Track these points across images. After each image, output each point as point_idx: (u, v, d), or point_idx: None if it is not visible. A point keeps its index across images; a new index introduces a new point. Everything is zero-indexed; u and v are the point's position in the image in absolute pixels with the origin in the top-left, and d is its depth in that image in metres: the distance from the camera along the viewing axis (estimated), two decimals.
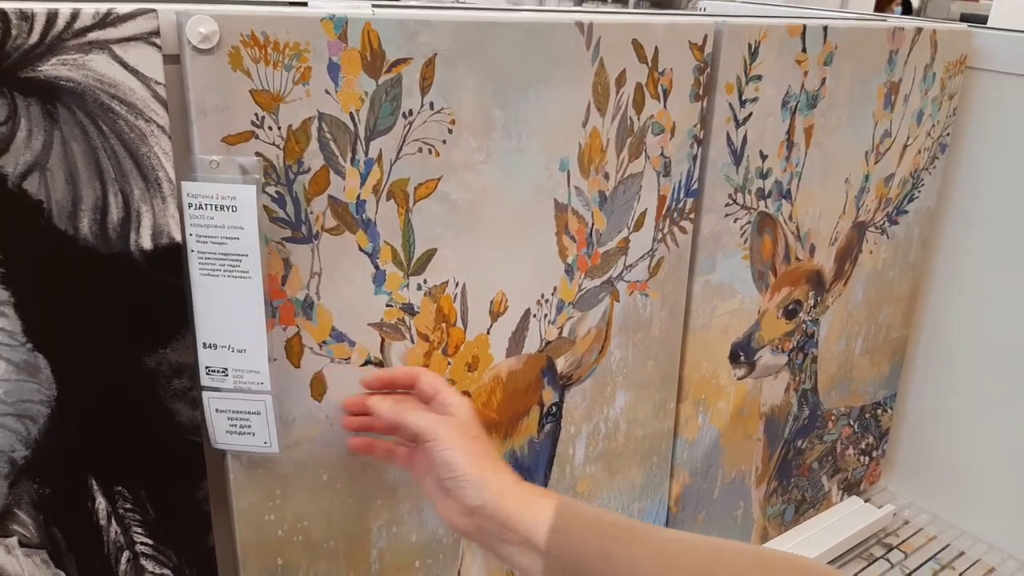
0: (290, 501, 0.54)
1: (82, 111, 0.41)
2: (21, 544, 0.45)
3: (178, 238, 0.45)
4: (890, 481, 1.09)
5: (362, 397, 0.53)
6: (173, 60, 0.44)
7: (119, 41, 0.41)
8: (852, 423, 0.97)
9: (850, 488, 1.02)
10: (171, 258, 0.45)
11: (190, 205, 0.45)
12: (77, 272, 0.43)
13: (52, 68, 0.40)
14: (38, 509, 0.45)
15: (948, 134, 0.91)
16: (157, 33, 0.42)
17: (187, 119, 0.44)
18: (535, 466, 0.67)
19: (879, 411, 1.00)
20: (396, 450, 0.54)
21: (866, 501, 1.02)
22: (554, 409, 0.67)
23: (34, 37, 0.39)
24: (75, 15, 0.40)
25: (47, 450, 0.44)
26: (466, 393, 0.60)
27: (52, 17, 0.39)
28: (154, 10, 0.42)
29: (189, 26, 0.42)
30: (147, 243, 0.44)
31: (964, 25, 0.89)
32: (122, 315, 0.45)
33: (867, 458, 1.02)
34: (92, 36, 0.41)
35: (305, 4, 0.50)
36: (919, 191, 0.91)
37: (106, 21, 0.41)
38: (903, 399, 1.05)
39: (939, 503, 1.05)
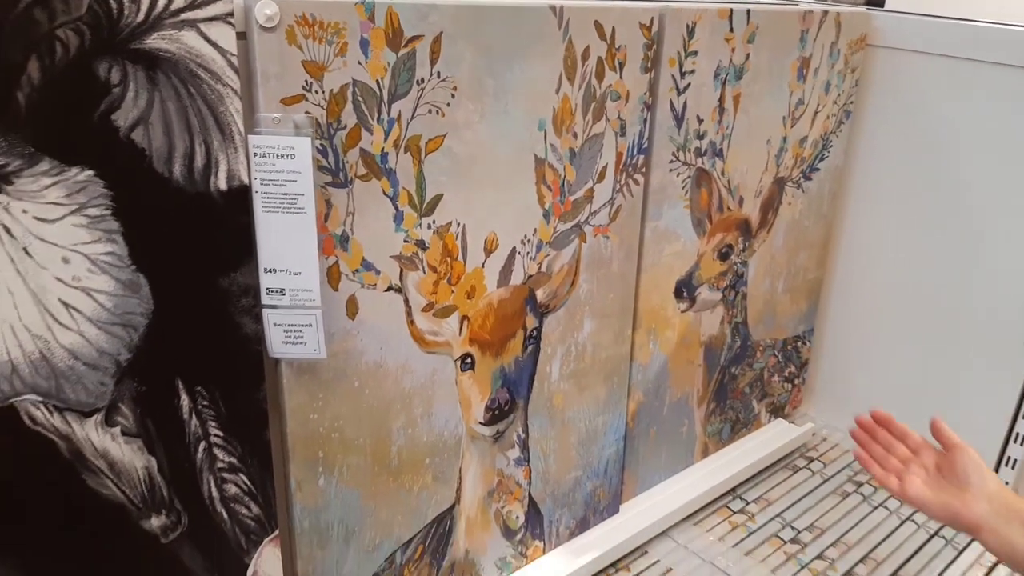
0: (329, 403, 0.64)
1: (176, 76, 0.51)
2: (123, 433, 0.55)
3: (247, 181, 0.55)
4: (811, 406, 1.25)
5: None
6: (242, 36, 0.53)
7: (204, 20, 0.51)
8: (776, 353, 1.11)
9: (776, 411, 1.16)
10: (241, 198, 0.55)
11: (255, 154, 0.54)
12: (170, 208, 0.53)
13: (153, 41, 0.49)
14: (136, 404, 0.55)
15: (852, 102, 1.05)
16: (232, 14, 0.52)
17: (253, 84, 0.54)
18: (520, 381, 0.78)
19: (799, 343, 1.14)
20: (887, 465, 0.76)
21: (791, 423, 1.17)
22: (535, 333, 0.78)
23: (140, 16, 0.49)
24: None
25: (145, 355, 0.54)
26: (465, 317, 0.71)
27: (154, 1, 0.49)
28: None
29: (257, 8, 0.52)
30: (223, 185, 0.54)
31: (864, 8, 1.04)
32: (203, 244, 0.55)
33: (790, 384, 1.16)
34: (184, 16, 0.50)
35: None
36: (828, 151, 1.05)
37: (194, 4, 0.50)
38: (820, 333, 1.19)
39: (853, 422, 1.20)
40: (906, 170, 1.06)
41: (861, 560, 0.95)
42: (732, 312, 1.00)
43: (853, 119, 1.07)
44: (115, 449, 0.55)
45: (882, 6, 1.11)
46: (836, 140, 1.05)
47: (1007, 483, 1.06)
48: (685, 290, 0.93)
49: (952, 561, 0.96)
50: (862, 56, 1.04)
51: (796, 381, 1.18)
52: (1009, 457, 1.05)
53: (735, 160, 0.92)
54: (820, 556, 0.95)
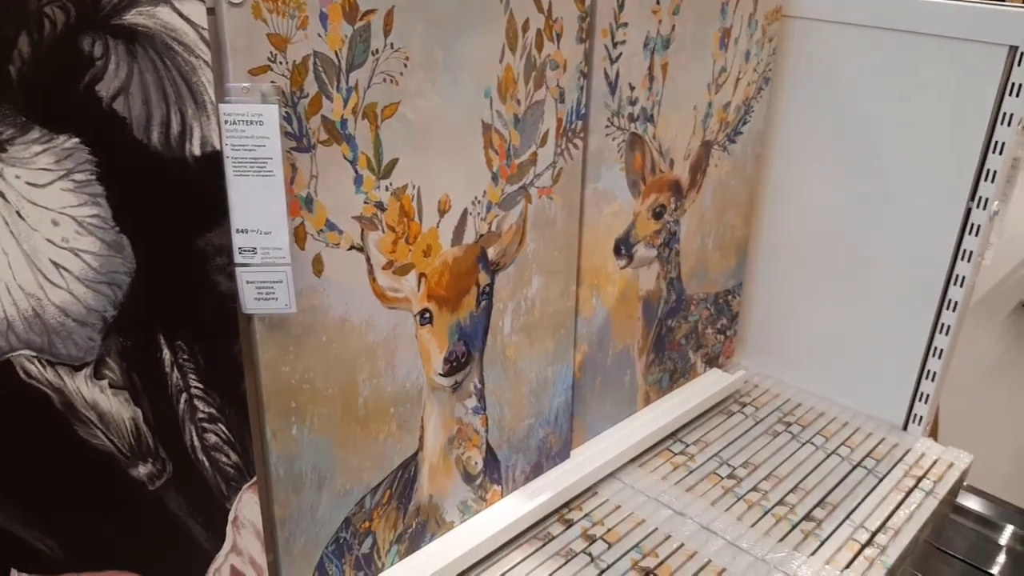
0: (300, 356, 0.69)
1: (152, 49, 0.54)
2: (110, 385, 0.58)
3: (218, 147, 0.59)
4: (743, 356, 1.33)
5: None
6: (211, 12, 0.57)
7: None
8: (709, 307, 1.19)
9: (711, 361, 1.24)
10: (214, 162, 0.59)
11: (226, 121, 0.58)
12: (150, 172, 0.56)
13: (132, 17, 0.53)
14: (122, 358, 0.58)
15: (770, 70, 1.13)
16: None
17: (223, 56, 0.58)
18: (475, 334, 0.84)
19: (730, 297, 1.22)
20: None
21: (725, 372, 1.25)
22: (487, 289, 0.84)
23: None
24: None
25: (129, 311, 0.58)
26: (423, 274, 0.76)
27: None
28: None
29: None
30: (197, 151, 0.58)
31: None
32: (180, 206, 0.58)
33: (723, 336, 1.24)
34: None
35: None
36: (750, 116, 1.12)
37: None
38: (749, 287, 1.28)
39: (783, 370, 1.30)
40: (822, 132, 1.15)
41: (791, 490, 1.03)
42: (667, 268, 1.07)
43: (772, 85, 1.15)
44: (104, 401, 0.58)
45: None
46: (757, 105, 1.13)
47: (920, 418, 1.16)
48: (623, 247, 0.99)
49: (873, 488, 1.05)
50: (779, 26, 1.11)
51: (728, 333, 1.26)
52: (922, 393, 1.15)
53: (665, 125, 0.98)
54: (754, 488, 1.03)
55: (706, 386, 1.20)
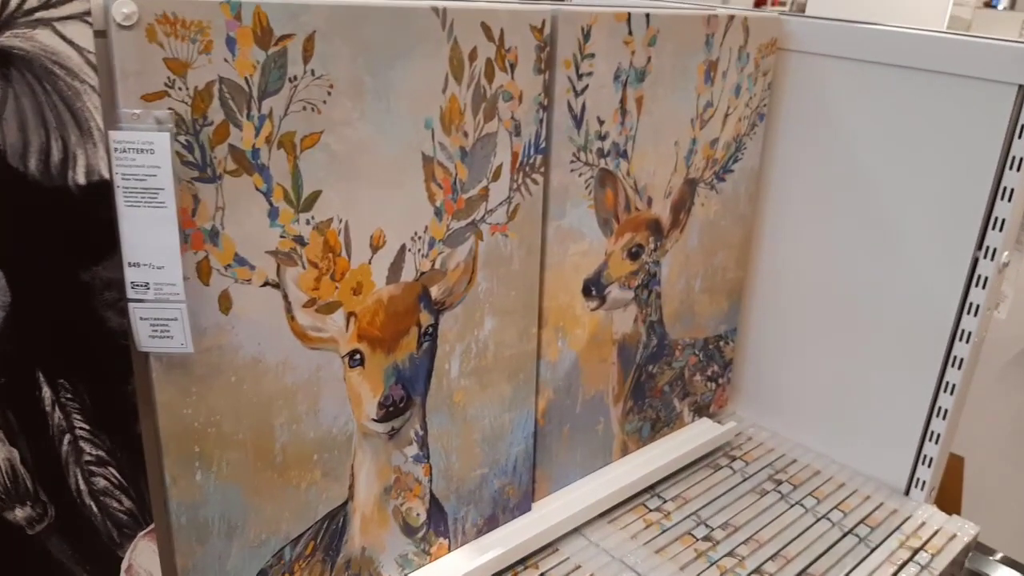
0: (204, 398, 0.65)
1: (30, 73, 0.52)
2: None
3: (107, 176, 0.56)
4: (738, 406, 1.26)
5: None
6: (102, 35, 0.55)
7: (59, 19, 0.52)
8: (697, 352, 1.13)
9: (700, 411, 1.18)
10: (102, 192, 0.56)
11: (116, 149, 0.56)
12: (27, 202, 0.54)
13: (6, 39, 0.51)
14: None
15: (765, 105, 1.07)
16: (89, 13, 0.53)
17: (113, 81, 0.55)
18: (416, 377, 0.79)
19: (721, 343, 1.16)
20: None
21: (717, 422, 1.18)
22: (430, 330, 0.79)
23: None
24: None
25: (3, 346, 0.55)
26: (352, 314, 0.72)
27: (6, 1, 0.50)
28: None
29: (114, 8, 0.54)
30: (82, 179, 0.55)
31: (776, 12, 1.06)
32: (62, 237, 0.55)
33: (714, 384, 1.18)
34: (38, 15, 0.51)
35: None
36: (742, 153, 1.07)
37: (49, 3, 0.52)
38: (745, 333, 1.21)
39: (779, 422, 1.23)
40: (823, 171, 1.09)
41: (771, 557, 0.96)
42: (646, 311, 1.02)
43: (767, 122, 1.09)
44: None
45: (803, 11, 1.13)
46: (750, 142, 1.07)
47: (923, 482, 1.08)
48: (594, 288, 0.94)
49: (863, 559, 0.97)
50: (773, 60, 1.06)
51: (720, 380, 1.19)
52: (925, 455, 1.07)
53: (641, 161, 0.93)
54: (730, 553, 0.96)
55: (692, 437, 1.13)
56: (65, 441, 0.59)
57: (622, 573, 0.92)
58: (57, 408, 0.58)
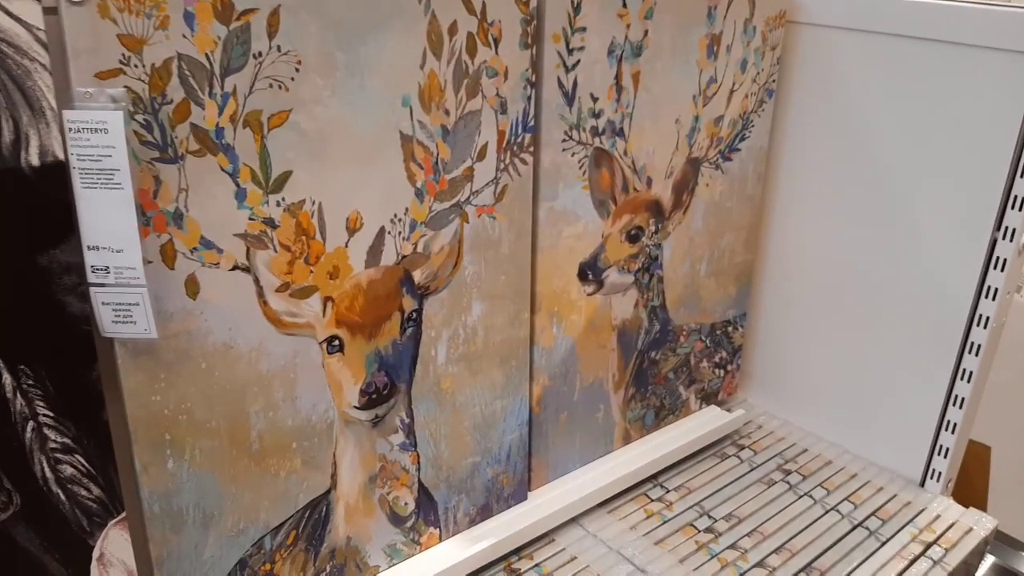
0: (174, 384, 0.64)
1: None
2: None
3: (62, 157, 0.55)
4: (749, 393, 1.23)
5: None
6: (53, 11, 0.53)
7: None
8: (704, 338, 1.10)
9: (708, 398, 1.15)
10: (57, 173, 0.55)
11: (70, 129, 0.54)
12: None
13: None
14: None
15: (774, 81, 1.04)
16: None
17: (65, 59, 0.54)
18: (400, 364, 0.78)
19: (730, 328, 1.13)
20: None
21: (726, 410, 1.15)
22: (414, 315, 0.77)
23: None
24: None
25: None
26: (329, 298, 0.71)
27: None
28: None
29: None
30: (35, 160, 0.54)
31: None
32: (16, 220, 0.54)
33: (722, 371, 1.15)
34: None
35: None
36: (750, 131, 1.03)
37: None
38: (755, 318, 1.18)
39: (791, 410, 1.19)
40: (833, 151, 1.05)
41: (775, 550, 0.93)
42: (647, 295, 0.99)
43: (776, 98, 1.05)
44: None
45: None
46: (758, 120, 1.04)
47: (939, 473, 1.04)
48: (591, 272, 0.92)
49: (872, 552, 0.94)
50: (783, 33, 1.02)
51: (729, 367, 1.16)
52: (941, 446, 1.03)
53: (639, 140, 0.90)
54: (732, 546, 0.94)
55: (698, 425, 1.10)
56: (29, 428, 0.58)
57: (619, 564, 0.90)
58: (19, 395, 0.57)
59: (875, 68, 0.98)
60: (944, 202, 0.96)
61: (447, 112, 0.74)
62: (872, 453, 1.10)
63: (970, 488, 1.38)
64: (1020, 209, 0.91)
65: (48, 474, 0.60)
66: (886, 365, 1.06)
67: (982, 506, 1.20)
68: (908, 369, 1.04)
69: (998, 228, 0.93)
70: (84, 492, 0.62)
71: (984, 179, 0.92)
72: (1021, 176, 0.91)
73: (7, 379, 0.57)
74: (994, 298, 0.96)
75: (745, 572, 0.90)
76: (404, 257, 0.75)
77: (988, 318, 0.96)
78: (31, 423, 0.58)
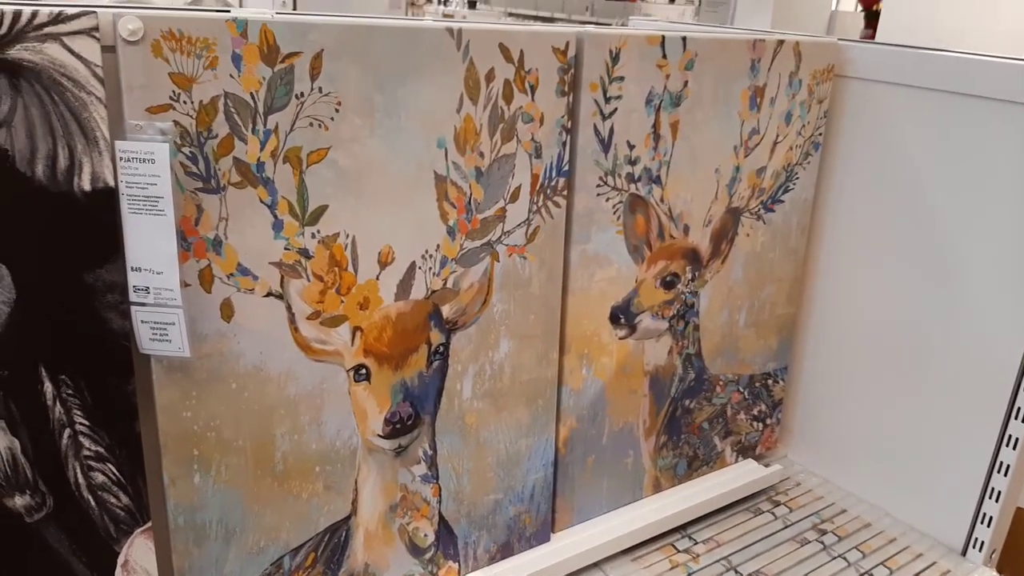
0: (204, 402, 0.68)
1: (39, 84, 0.56)
2: None
3: (112, 183, 0.60)
4: (790, 449, 1.22)
5: None
6: (110, 49, 0.59)
7: (67, 34, 0.57)
8: (742, 390, 1.10)
9: (745, 451, 1.15)
10: (106, 198, 0.60)
11: (121, 158, 0.60)
12: (33, 205, 0.58)
13: (16, 52, 0.55)
14: None
15: (820, 133, 1.05)
16: (96, 28, 0.57)
17: (120, 93, 0.60)
18: (425, 396, 0.81)
19: (769, 381, 1.13)
20: None
21: (766, 466, 1.15)
22: (441, 349, 0.81)
23: (3, 29, 0.55)
24: (35, 14, 0.55)
25: (7, 340, 0.59)
26: (358, 328, 0.75)
27: (17, 15, 0.55)
28: (94, 11, 0.57)
29: (120, 24, 0.58)
30: (87, 186, 0.59)
31: (834, 38, 1.04)
32: (66, 240, 0.60)
33: (761, 424, 1.15)
34: (47, 30, 0.56)
35: (228, 11, 0.65)
36: (794, 183, 1.04)
37: (58, 19, 0.56)
38: (798, 372, 1.18)
39: (831, 469, 1.18)
40: (880, 206, 1.05)
41: None
42: (682, 343, 1.00)
43: (824, 151, 1.07)
44: None
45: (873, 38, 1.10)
46: (803, 172, 1.05)
47: (982, 543, 1.02)
48: (623, 316, 0.94)
49: None
50: (830, 87, 1.03)
51: (768, 421, 1.16)
52: (984, 514, 1.01)
53: (676, 187, 0.93)
54: None
55: (732, 478, 1.10)
56: (65, 435, 0.63)
57: None
58: (58, 403, 0.62)
59: (925, 124, 0.99)
60: (993, 261, 0.96)
61: (481, 155, 0.77)
62: (913, 518, 1.08)
63: (1015, 557, 1.33)
64: None
65: (80, 480, 0.65)
66: (930, 427, 1.05)
67: None
68: (952, 432, 1.02)
69: None
70: (113, 500, 0.66)
71: None
72: None
73: (48, 387, 0.62)
74: None
75: None
76: (434, 292, 0.78)
77: None
78: (68, 430, 0.63)
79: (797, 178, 1.05)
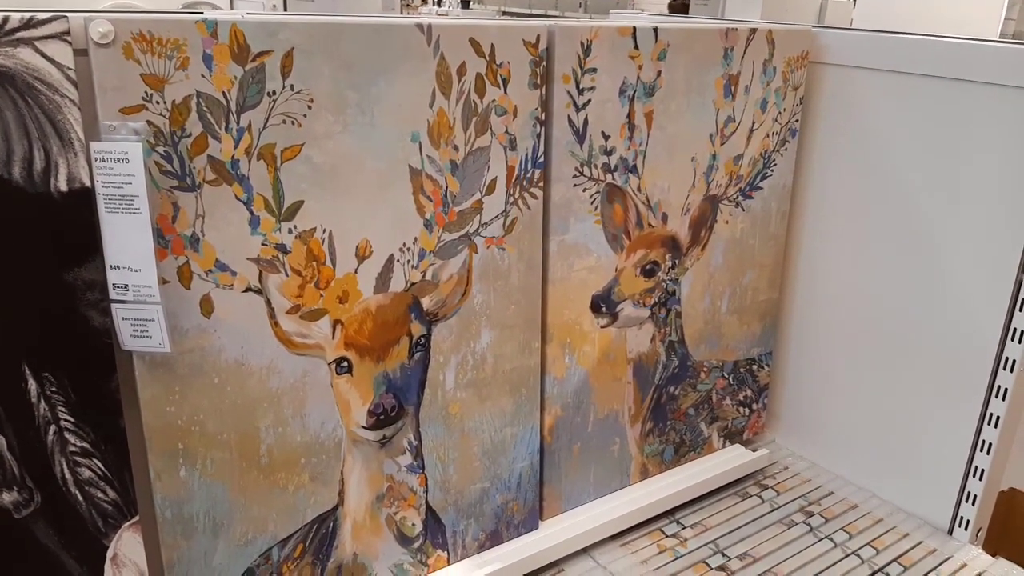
0: (187, 397, 0.69)
1: (13, 88, 0.58)
2: None
3: (88, 183, 0.61)
4: (777, 434, 1.23)
5: None
6: (82, 53, 0.60)
7: (40, 38, 0.58)
8: (726, 376, 1.11)
9: (732, 436, 1.16)
10: (83, 199, 0.61)
11: (96, 159, 0.61)
12: (10, 206, 0.59)
13: None
14: None
15: (797, 120, 1.06)
16: (68, 33, 0.59)
17: (93, 95, 0.61)
18: (407, 387, 0.82)
19: (754, 367, 1.14)
20: None
21: (754, 451, 1.16)
22: (423, 340, 0.82)
23: None
24: (6, 19, 0.57)
25: None
26: (339, 321, 0.76)
27: None
28: (65, 16, 0.58)
29: (91, 27, 0.59)
30: (64, 187, 0.61)
31: (808, 25, 1.05)
32: (45, 240, 0.61)
33: (747, 409, 1.16)
34: (19, 35, 0.57)
35: (200, 12, 0.66)
36: (771, 170, 1.05)
37: (30, 24, 0.57)
38: (783, 357, 1.19)
39: (818, 452, 1.19)
40: (861, 189, 1.06)
41: None
42: (664, 330, 1.02)
43: (800, 137, 1.08)
44: None
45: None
46: (781, 159, 1.06)
47: (967, 521, 1.02)
48: (604, 305, 0.95)
49: None
50: (804, 73, 1.04)
51: (754, 406, 1.17)
52: (969, 492, 1.02)
53: (653, 176, 0.94)
54: None
55: (720, 463, 1.11)
56: (50, 431, 0.64)
57: None
58: (42, 400, 0.64)
59: (900, 107, 1.00)
60: (970, 242, 0.97)
61: (456, 148, 0.78)
62: (899, 499, 1.09)
63: (1010, 539, 1.34)
64: None
65: (67, 476, 0.66)
66: (913, 408, 1.06)
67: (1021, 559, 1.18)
68: (935, 413, 1.03)
69: (1021, 267, 0.93)
70: (100, 494, 0.68)
71: (1010, 220, 0.92)
72: None
73: (32, 385, 0.63)
74: (1021, 341, 0.95)
75: None
76: (413, 284, 0.80)
77: (1015, 361, 0.96)
78: (53, 427, 0.64)
79: (775, 165, 1.06)
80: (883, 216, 1.04)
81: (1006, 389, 0.97)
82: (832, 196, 1.09)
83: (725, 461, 1.12)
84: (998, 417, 0.98)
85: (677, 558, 0.98)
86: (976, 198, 0.95)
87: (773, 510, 1.08)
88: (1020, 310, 0.94)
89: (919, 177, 1.00)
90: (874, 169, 1.04)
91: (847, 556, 1.00)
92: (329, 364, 0.76)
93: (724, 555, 0.99)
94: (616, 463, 1.03)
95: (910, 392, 1.05)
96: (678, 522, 1.05)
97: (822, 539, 1.03)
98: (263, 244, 0.70)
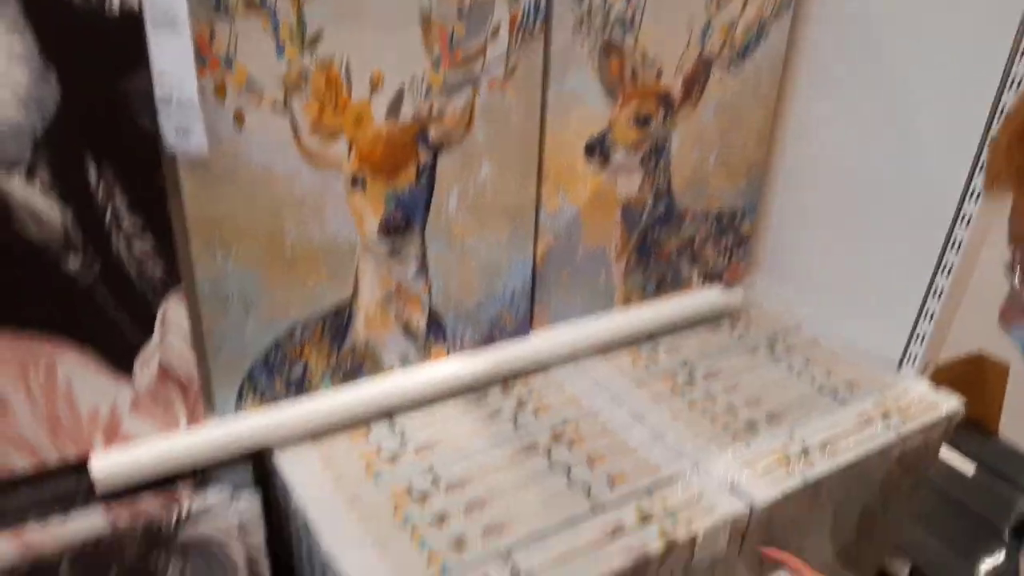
0: (222, 195, 0.76)
1: None
2: (41, 188, 0.69)
3: (135, 7, 0.67)
4: (756, 279, 1.26)
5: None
6: None
7: None
8: (709, 223, 1.14)
9: (711, 279, 1.20)
10: (133, 18, 0.67)
11: None
12: (73, 21, 0.65)
13: None
14: (51, 167, 0.68)
15: None
16: None
17: None
18: (415, 205, 0.88)
19: (736, 218, 1.17)
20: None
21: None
22: (429, 165, 0.87)
23: None
24: None
25: (56, 128, 0.67)
26: (354, 142, 0.81)
27: None
28: None
29: None
30: (116, 9, 0.66)
31: None
32: (102, 49, 0.67)
33: (727, 256, 1.19)
34: None
35: None
36: (764, 38, 1.05)
37: None
38: (765, 210, 1.21)
39: (792, 297, 1.22)
40: (848, 59, 1.05)
41: (743, 401, 0.99)
42: (654, 178, 1.04)
43: (796, 6, 1.06)
44: (37, 200, 0.69)
45: None
46: (775, 26, 1.05)
47: (916, 357, 1.06)
48: (598, 148, 0.98)
49: (831, 411, 0.98)
50: None
51: (735, 255, 1.20)
52: (919, 333, 1.05)
53: (649, 34, 0.94)
54: (705, 392, 1.01)
55: (697, 299, 1.16)
56: (108, 210, 0.72)
57: (599, 394, 0.99)
58: (101, 183, 0.71)
59: None
60: (939, 109, 0.96)
61: None
62: (861, 338, 1.12)
63: (982, 405, 1.35)
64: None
65: (122, 249, 0.74)
66: (879, 260, 1.08)
67: (994, 424, 1.21)
68: (897, 263, 1.05)
69: (985, 134, 0.93)
70: (150, 265, 0.76)
71: (976, 89, 0.91)
72: (1008, 89, 0.90)
73: (92, 170, 0.70)
74: (978, 200, 0.96)
75: (711, 412, 0.96)
76: (420, 116, 0.84)
77: (971, 217, 0.97)
78: (109, 206, 0.72)
79: (768, 33, 1.05)
80: (868, 83, 1.03)
81: (960, 241, 0.98)
82: (823, 63, 1.08)
83: (702, 297, 1.16)
84: (951, 266, 0.99)
85: (648, 369, 1.05)
86: (947, 68, 0.94)
87: (741, 339, 1.13)
88: (979, 171, 0.95)
89: (902, 48, 0.99)
90: (864, 37, 1.02)
91: (801, 377, 1.05)
92: (345, 179, 0.82)
93: (690, 369, 1.05)
94: (602, 291, 1.09)
95: (878, 245, 1.07)
96: (654, 347, 1.11)
97: (781, 362, 1.08)
98: (288, 68, 0.75)
